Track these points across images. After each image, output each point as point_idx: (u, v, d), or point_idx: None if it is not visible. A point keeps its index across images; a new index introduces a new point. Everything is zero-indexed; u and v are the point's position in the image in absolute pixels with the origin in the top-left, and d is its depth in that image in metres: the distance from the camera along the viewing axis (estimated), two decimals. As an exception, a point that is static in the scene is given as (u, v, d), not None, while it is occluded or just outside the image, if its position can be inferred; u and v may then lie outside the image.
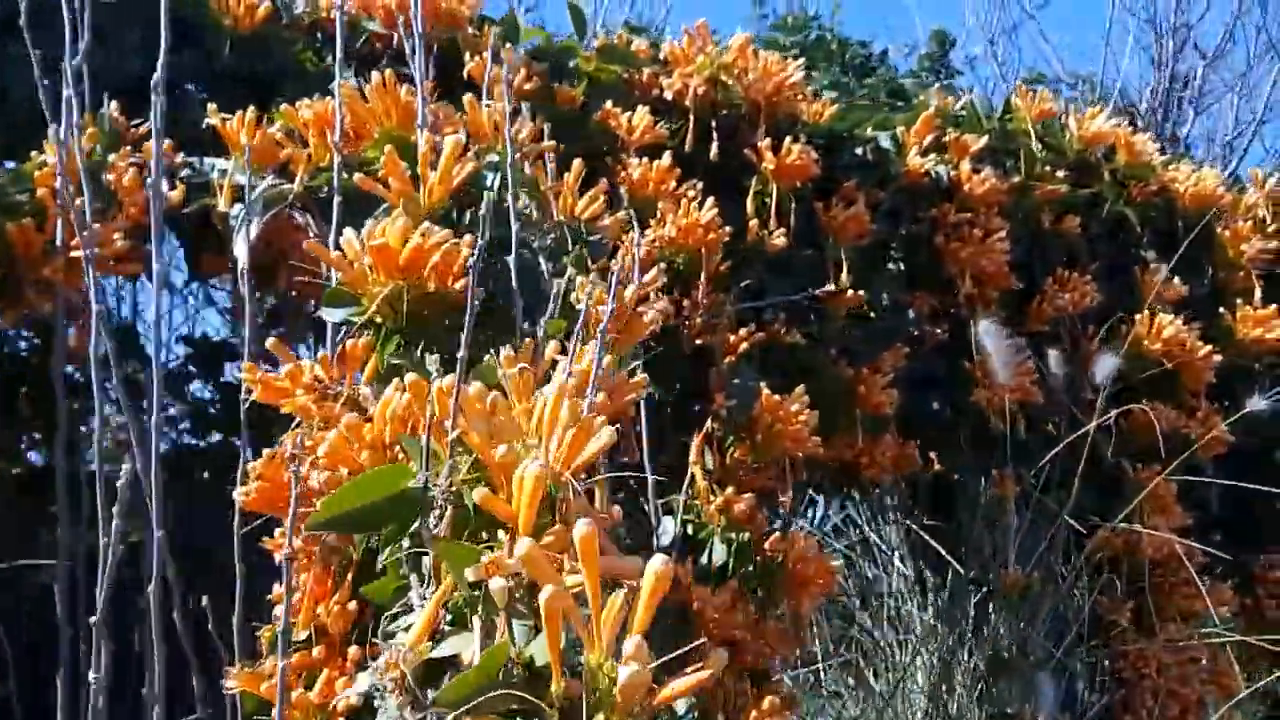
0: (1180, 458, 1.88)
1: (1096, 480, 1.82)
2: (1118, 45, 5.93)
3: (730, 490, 1.26)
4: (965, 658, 1.78)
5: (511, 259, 0.94)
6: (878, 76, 4.64)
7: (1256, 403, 1.67)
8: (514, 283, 0.94)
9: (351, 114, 1.14)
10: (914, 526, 1.81)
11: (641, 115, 1.56)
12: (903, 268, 1.85)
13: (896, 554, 1.92)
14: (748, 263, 1.62)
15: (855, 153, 1.84)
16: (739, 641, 1.17)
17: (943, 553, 1.75)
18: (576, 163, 1.15)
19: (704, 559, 1.24)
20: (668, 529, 1.24)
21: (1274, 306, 1.97)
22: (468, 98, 1.16)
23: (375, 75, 1.12)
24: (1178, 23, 5.60)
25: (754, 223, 1.62)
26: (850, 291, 1.67)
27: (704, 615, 1.14)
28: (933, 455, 1.86)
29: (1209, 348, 1.88)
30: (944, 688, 1.83)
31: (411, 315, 0.87)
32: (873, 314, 1.81)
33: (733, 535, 1.24)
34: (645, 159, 1.49)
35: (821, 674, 2.07)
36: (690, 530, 1.25)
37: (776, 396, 1.32)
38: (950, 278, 1.82)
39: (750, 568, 1.22)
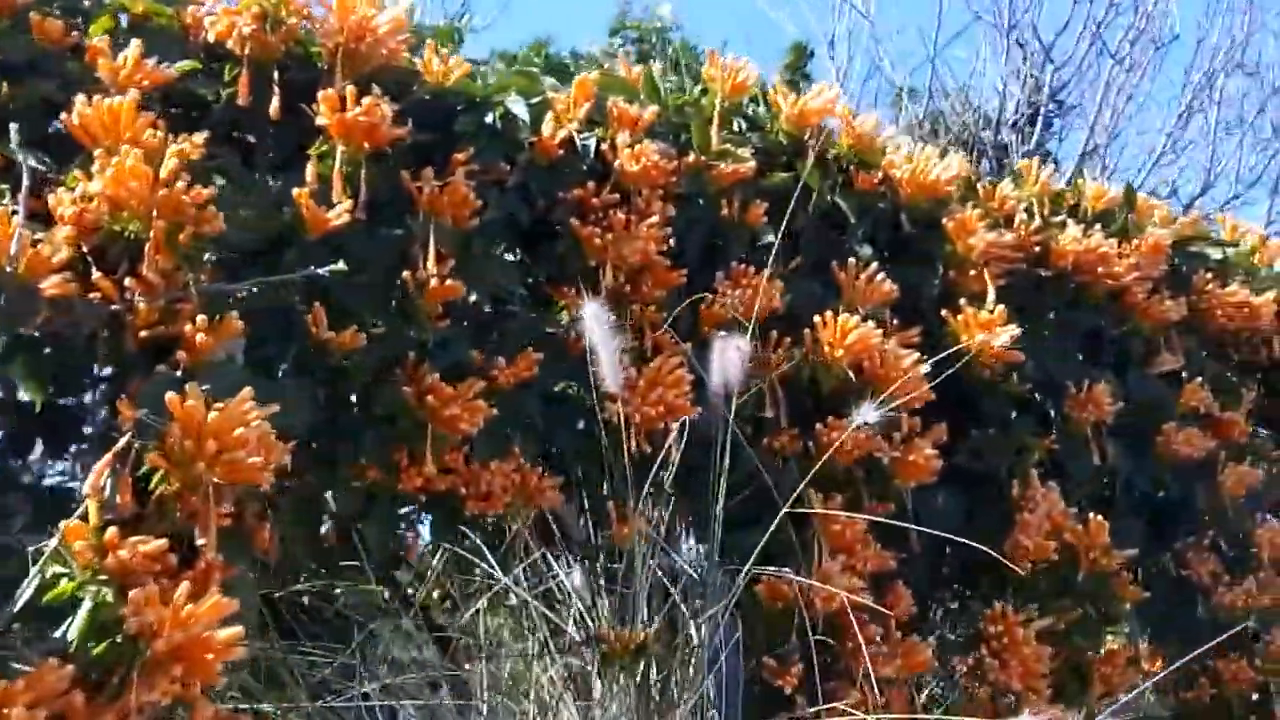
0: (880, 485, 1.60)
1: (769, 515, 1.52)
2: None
3: (118, 532, 0.94)
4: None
5: None
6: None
7: (866, 413, 1.38)
8: None
9: None
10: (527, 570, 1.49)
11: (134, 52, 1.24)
12: (527, 257, 1.55)
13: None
14: (288, 241, 1.31)
15: (484, 120, 1.53)
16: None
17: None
18: None
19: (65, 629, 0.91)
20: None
21: (1001, 309, 1.69)
22: None
23: None
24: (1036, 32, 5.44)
25: (302, 192, 1.31)
26: (444, 281, 1.37)
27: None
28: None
29: (913, 355, 1.60)
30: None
31: None
32: (488, 309, 1.51)
33: (101, 592, 0.91)
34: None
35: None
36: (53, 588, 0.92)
37: (211, 409, 1.00)
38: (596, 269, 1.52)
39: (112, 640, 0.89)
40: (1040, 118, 5.13)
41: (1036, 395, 1.95)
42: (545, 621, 1.54)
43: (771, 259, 1.68)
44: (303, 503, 1.38)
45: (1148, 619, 1.97)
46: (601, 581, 1.53)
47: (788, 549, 1.53)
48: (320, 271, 1.19)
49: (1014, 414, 1.86)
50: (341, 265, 1.21)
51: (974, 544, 1.67)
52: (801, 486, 1.52)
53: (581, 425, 1.54)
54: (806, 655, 1.50)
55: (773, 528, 1.50)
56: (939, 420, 1.75)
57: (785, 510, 1.50)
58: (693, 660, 1.52)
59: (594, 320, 1.31)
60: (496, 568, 1.47)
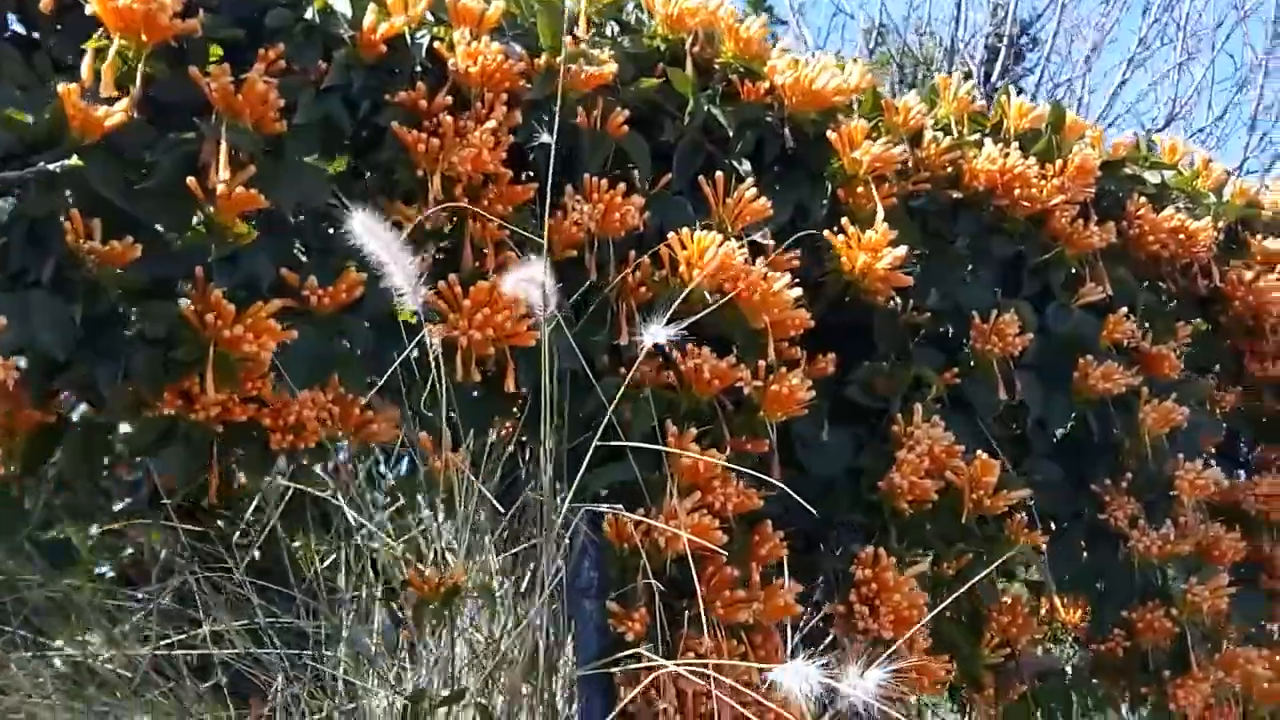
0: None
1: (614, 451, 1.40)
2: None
3: None
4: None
5: None
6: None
7: (656, 333, 1.23)
8: None
9: None
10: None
11: None
12: (361, 166, 1.42)
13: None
14: (57, 142, 1.17)
15: (301, 15, 1.39)
16: None
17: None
18: None
19: None
20: None
21: (886, 229, 1.54)
22: None
23: None
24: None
25: (69, 89, 1.17)
26: (235, 190, 1.23)
27: None
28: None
29: (784, 279, 1.45)
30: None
31: None
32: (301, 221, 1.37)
33: None
34: None
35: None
36: None
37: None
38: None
39: None
40: (1009, 50, 4.92)
41: (943, 327, 1.82)
42: (379, 564, 1.43)
43: (639, 175, 1.56)
44: (84, 436, 1.26)
45: (1061, 567, 1.85)
46: (438, 520, 1.42)
47: (649, 487, 1.41)
48: (50, 168, 1.06)
49: (913, 345, 1.72)
50: (76, 161, 1.08)
51: (855, 483, 1.57)
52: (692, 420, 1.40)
53: (417, 354, 1.42)
54: (661, 600, 1.39)
55: (623, 463, 1.39)
56: (831, 352, 1.63)
57: (635, 445, 1.38)
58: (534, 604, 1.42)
59: (366, 231, 1.17)
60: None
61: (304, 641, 1.43)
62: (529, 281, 1.25)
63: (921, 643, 1.44)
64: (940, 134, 1.84)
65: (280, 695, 1.37)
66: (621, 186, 1.45)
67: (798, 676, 0.96)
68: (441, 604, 1.22)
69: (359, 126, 1.41)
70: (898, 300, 1.72)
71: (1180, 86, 6.32)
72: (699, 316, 1.42)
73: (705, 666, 1.33)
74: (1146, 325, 1.97)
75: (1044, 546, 1.75)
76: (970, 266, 1.93)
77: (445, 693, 1.26)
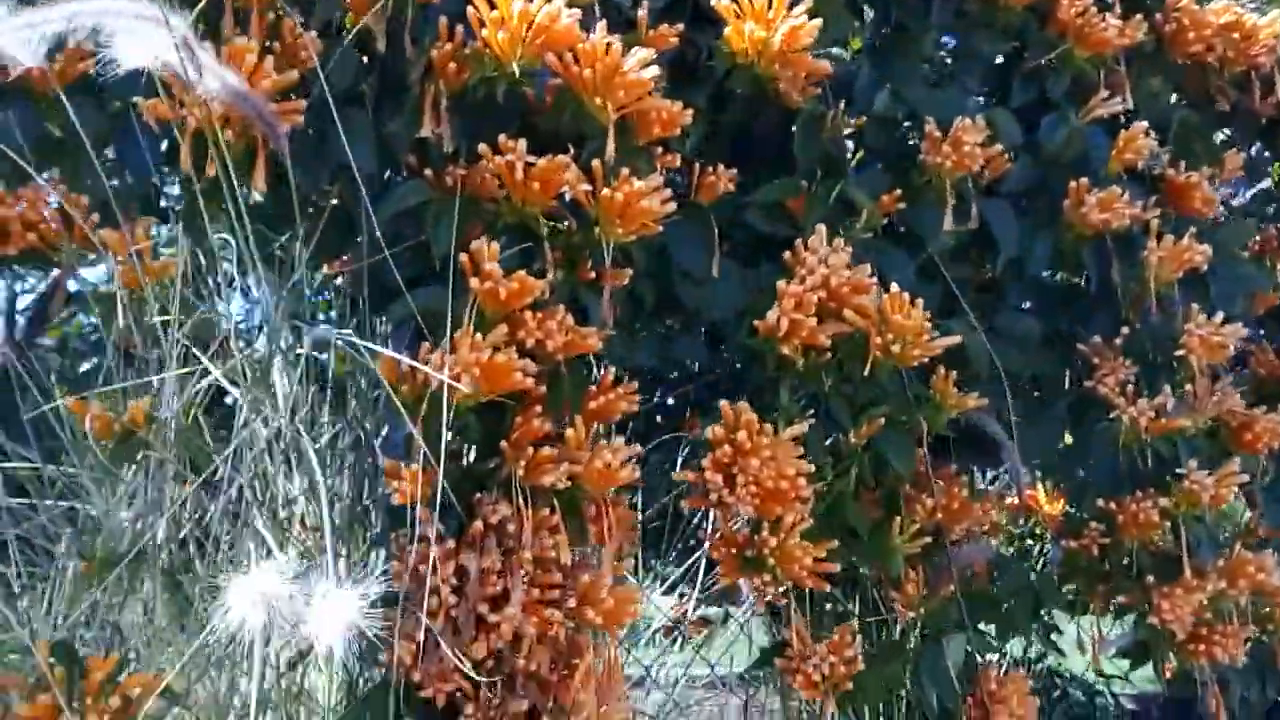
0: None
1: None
2: None
3: None
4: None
5: None
6: None
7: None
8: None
9: None
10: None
11: None
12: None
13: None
14: None
15: None
16: None
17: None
18: None
19: None
20: None
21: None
22: None
23: None
24: None
25: None
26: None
27: None
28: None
29: (640, 54, 1.12)
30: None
31: None
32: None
33: None
34: None
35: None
36: None
37: None
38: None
39: None
40: None
41: (893, 140, 1.45)
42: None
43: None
44: None
45: (1038, 447, 1.51)
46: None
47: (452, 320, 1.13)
48: None
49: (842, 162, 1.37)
50: None
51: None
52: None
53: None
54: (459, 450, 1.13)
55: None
56: (735, 164, 1.29)
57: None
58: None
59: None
60: None
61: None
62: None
63: (796, 520, 1.14)
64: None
65: None
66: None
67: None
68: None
69: None
70: (831, 103, 1.36)
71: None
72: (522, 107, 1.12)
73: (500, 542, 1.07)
74: (1182, 150, 1.56)
75: (1012, 421, 1.42)
76: (950, 71, 1.56)
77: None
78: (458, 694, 1.06)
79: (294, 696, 1.28)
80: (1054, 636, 2.20)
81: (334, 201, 1.24)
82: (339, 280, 1.37)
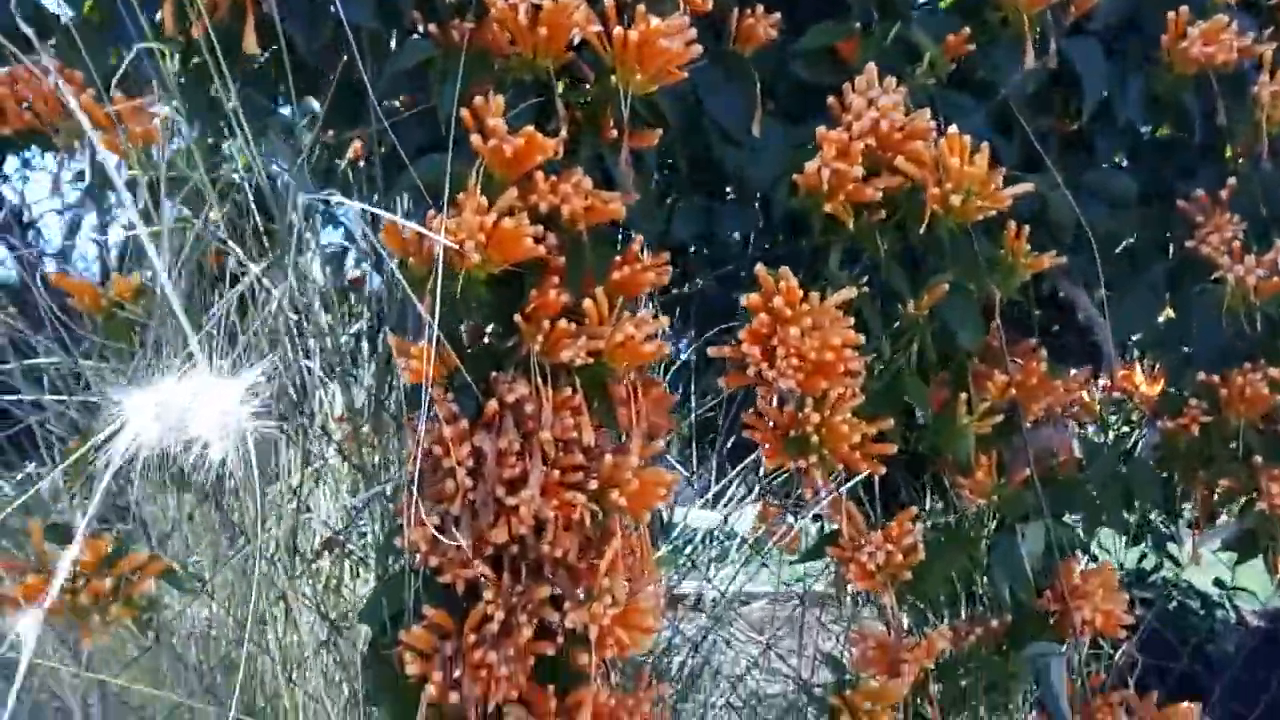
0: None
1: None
2: None
3: None
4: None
5: None
6: None
7: None
8: None
9: None
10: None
11: None
12: None
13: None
14: None
15: None
16: None
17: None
18: None
19: None
20: None
21: None
22: None
23: None
24: None
25: None
26: None
27: None
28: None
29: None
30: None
31: None
32: None
33: None
34: None
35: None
36: None
37: None
38: None
39: None
40: None
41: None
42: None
43: None
44: None
45: (1132, 319, 1.36)
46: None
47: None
48: None
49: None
50: None
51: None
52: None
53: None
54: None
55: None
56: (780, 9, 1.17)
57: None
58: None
59: None
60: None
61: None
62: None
63: (846, 396, 1.04)
64: None
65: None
66: None
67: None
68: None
69: None
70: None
71: None
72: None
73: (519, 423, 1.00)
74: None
75: (1103, 292, 1.28)
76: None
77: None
78: (483, 579, 1.00)
79: (331, 589, 1.25)
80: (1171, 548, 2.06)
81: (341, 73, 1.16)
82: (360, 162, 1.30)
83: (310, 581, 1.14)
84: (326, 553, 1.16)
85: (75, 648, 1.07)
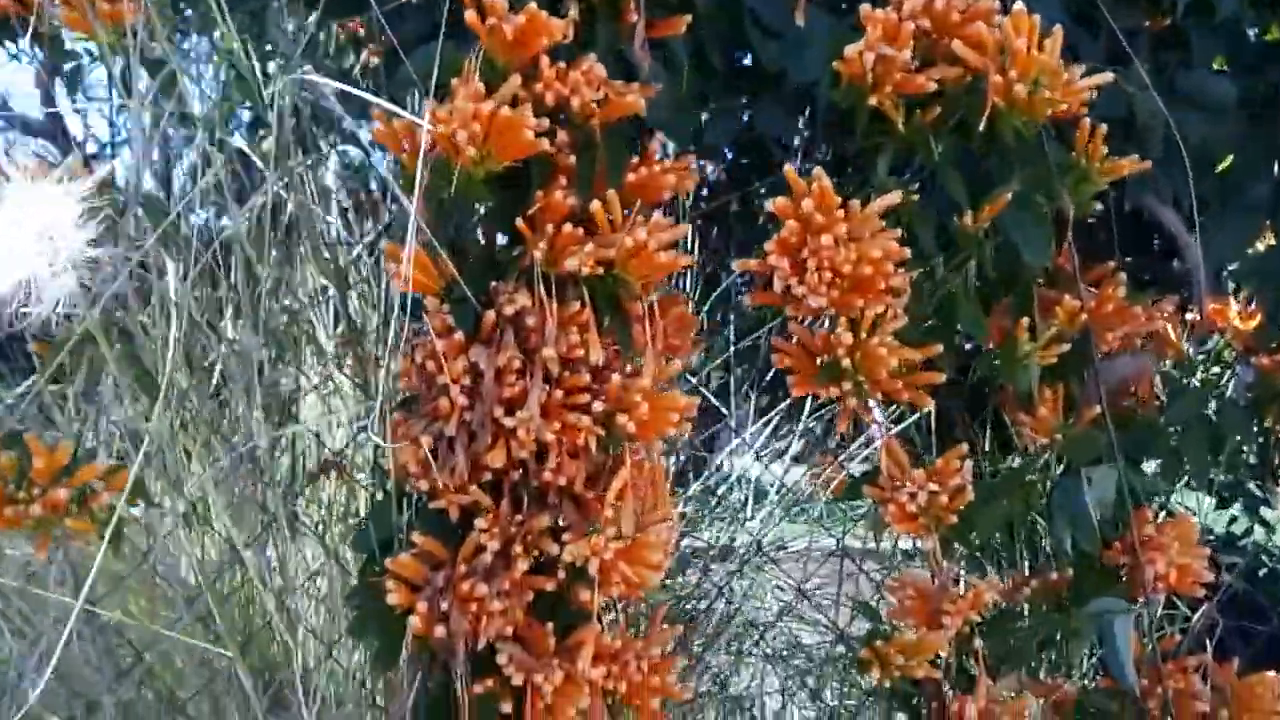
0: None
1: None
2: None
3: None
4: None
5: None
6: None
7: None
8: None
9: None
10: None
11: None
12: None
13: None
14: None
15: None
16: None
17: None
18: None
19: None
20: None
21: None
22: None
23: None
24: None
25: None
26: None
27: None
28: None
29: None
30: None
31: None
32: None
33: None
34: None
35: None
36: None
37: None
38: None
39: None
40: None
41: None
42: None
43: None
44: None
45: (1221, 241, 1.20)
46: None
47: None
48: None
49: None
50: None
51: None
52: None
53: None
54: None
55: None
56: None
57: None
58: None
59: None
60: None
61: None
62: None
63: (878, 319, 0.92)
64: None
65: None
66: None
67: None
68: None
69: None
70: None
71: None
72: None
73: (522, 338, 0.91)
74: None
75: (1195, 212, 1.13)
76: None
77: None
78: (478, 506, 0.92)
79: (340, 517, 1.19)
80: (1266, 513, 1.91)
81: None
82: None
83: (308, 505, 1.08)
84: (324, 475, 1.09)
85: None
